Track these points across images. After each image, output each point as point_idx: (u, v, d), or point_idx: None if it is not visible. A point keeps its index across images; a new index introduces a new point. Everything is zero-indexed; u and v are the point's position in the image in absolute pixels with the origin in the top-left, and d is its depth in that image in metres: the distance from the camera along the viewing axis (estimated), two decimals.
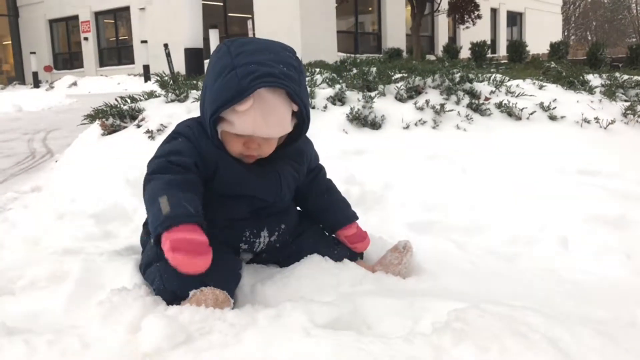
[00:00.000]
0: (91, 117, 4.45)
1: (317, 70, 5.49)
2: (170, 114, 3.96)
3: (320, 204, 1.94)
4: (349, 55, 9.79)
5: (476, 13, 17.92)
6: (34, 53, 19.68)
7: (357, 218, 1.97)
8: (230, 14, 20.04)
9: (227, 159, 1.66)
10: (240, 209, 1.70)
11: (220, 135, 1.64)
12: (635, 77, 5.19)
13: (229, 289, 1.56)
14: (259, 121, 1.54)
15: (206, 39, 10.10)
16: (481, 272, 2.00)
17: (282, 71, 1.54)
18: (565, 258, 2.19)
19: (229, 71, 1.53)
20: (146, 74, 16.07)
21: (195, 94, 4.35)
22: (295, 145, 1.77)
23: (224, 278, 1.56)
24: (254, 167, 1.69)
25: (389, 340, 1.30)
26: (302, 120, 1.66)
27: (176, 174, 1.55)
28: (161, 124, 3.80)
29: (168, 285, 1.50)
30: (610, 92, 4.67)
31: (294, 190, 1.86)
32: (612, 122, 3.95)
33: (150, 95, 4.69)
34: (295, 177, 1.82)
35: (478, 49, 14.03)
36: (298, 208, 1.97)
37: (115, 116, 4.16)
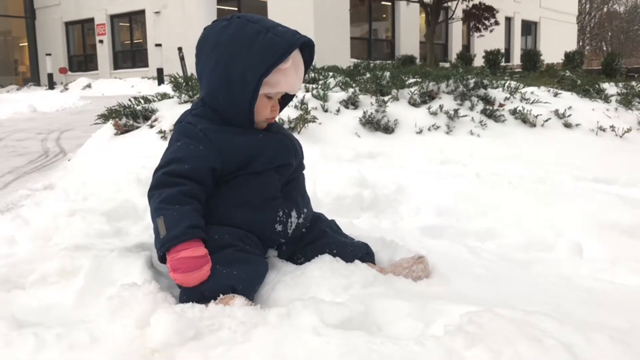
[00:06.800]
0: (105, 117, 4.47)
1: (331, 74, 5.48)
2: None
3: None
4: (362, 60, 9.77)
5: (492, 20, 17.79)
6: (50, 55, 19.87)
7: None
8: None
9: (241, 132, 1.70)
10: (271, 182, 1.74)
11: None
12: None
13: (255, 293, 1.61)
14: (294, 76, 1.68)
15: None
16: (494, 277, 1.97)
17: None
18: (579, 265, 2.16)
19: (264, 34, 1.61)
20: (160, 77, 16.14)
21: None
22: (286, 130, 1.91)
23: (252, 283, 1.59)
24: (267, 134, 1.76)
25: (400, 342, 1.28)
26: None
27: (172, 187, 1.59)
28: (174, 125, 3.81)
29: (199, 285, 1.51)
30: (626, 101, 4.63)
31: (301, 160, 1.91)
32: (628, 130, 3.92)
33: (164, 96, 4.72)
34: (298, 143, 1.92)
35: (492, 57, 14.00)
36: (328, 216, 2.03)
37: (129, 116, 4.18)
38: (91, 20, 23.44)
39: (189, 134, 1.68)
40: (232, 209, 1.69)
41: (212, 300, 1.45)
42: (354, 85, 4.66)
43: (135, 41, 23.44)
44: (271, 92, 1.68)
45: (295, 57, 1.65)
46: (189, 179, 1.61)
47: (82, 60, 25.01)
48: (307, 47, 1.73)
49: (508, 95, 4.44)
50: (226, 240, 1.61)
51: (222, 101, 1.68)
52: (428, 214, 2.56)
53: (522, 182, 2.99)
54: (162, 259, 1.57)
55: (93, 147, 4.09)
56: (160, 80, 15.85)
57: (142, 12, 21.86)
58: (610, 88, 5.19)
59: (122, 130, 4.14)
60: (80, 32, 24.83)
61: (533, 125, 3.95)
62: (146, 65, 21.62)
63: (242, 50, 1.61)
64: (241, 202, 1.69)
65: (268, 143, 1.73)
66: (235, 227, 1.67)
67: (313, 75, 5.28)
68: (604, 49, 48.18)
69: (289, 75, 1.65)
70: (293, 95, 1.86)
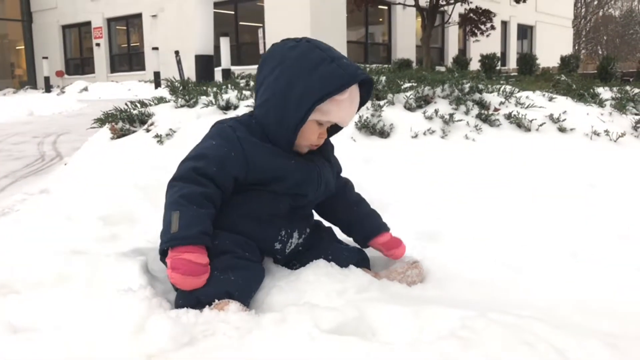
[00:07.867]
0: (101, 121, 4.47)
1: None
2: (180, 119, 3.97)
3: (351, 216, 2.00)
4: (358, 64, 9.78)
5: (489, 25, 17.83)
6: (46, 58, 19.85)
7: (389, 228, 2.03)
8: (241, 23, 20.17)
9: (276, 152, 1.70)
10: (282, 204, 1.75)
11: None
12: None
13: (250, 299, 1.62)
14: (348, 110, 1.70)
15: (217, 47, 10.13)
16: (488, 282, 1.98)
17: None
18: (573, 270, 2.16)
19: (329, 62, 1.63)
20: (157, 81, 16.16)
21: (204, 99, 4.36)
22: (326, 145, 1.89)
23: (248, 289, 1.60)
24: (300, 161, 1.75)
25: (395, 347, 1.29)
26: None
27: (196, 186, 1.60)
28: (170, 129, 3.81)
29: (195, 290, 1.51)
30: (620, 105, 4.64)
31: (326, 191, 1.89)
32: (623, 135, 3.93)
33: (160, 100, 4.71)
34: (331, 172, 1.91)
35: (488, 61, 14.03)
36: (325, 223, 2.04)
37: (125, 120, 4.18)
38: (88, 23, 23.46)
39: (225, 136, 1.69)
40: (237, 218, 1.71)
41: (207, 306, 1.46)
42: None
43: (132, 44, 23.47)
44: (322, 119, 1.69)
45: (353, 91, 1.67)
46: (213, 182, 1.63)
47: (78, 63, 25.02)
48: (366, 84, 1.75)
49: (503, 100, 4.45)
50: (226, 246, 1.63)
51: (271, 116, 1.69)
52: (423, 219, 2.57)
53: (516, 186, 3.00)
54: (163, 253, 1.58)
55: (89, 151, 4.09)
56: (157, 84, 15.87)
57: (139, 16, 21.89)
58: (604, 92, 5.20)
59: (119, 134, 4.14)
60: (77, 35, 24.84)
61: (528, 129, 3.96)
62: (143, 69, 21.65)
63: (304, 73, 1.63)
64: (247, 214, 1.71)
65: (296, 171, 1.73)
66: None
67: None
68: (600, 52, 48.38)
69: (342, 107, 1.67)
70: (342, 127, 1.86)
